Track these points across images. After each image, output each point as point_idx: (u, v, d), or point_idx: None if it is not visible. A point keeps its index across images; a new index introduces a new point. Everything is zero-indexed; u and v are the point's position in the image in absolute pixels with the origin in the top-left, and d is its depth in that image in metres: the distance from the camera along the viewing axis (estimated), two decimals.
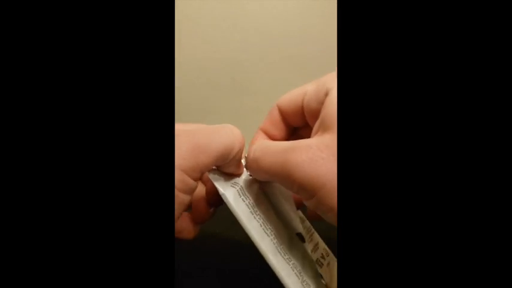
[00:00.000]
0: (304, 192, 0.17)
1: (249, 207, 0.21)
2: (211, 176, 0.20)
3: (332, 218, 0.16)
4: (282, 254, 0.21)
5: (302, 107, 0.20)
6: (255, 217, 0.20)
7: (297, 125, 0.22)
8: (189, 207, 0.23)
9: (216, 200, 0.22)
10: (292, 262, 0.21)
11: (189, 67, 0.52)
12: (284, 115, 0.22)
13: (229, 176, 0.21)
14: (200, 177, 0.18)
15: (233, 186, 0.21)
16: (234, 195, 0.20)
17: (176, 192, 0.17)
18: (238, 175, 0.21)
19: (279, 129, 0.22)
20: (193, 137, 0.17)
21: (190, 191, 0.17)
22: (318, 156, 0.16)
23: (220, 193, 0.20)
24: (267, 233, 0.21)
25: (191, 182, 0.17)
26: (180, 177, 0.17)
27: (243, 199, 0.20)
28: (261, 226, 0.20)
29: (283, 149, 0.17)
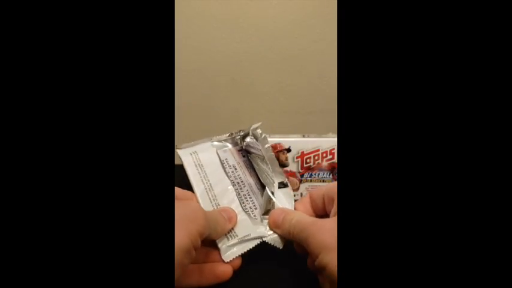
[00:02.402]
0: (312, 254, 0.22)
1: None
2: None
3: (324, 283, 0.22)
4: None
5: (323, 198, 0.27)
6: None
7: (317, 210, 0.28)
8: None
9: None
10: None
11: (189, 67, 0.52)
12: (311, 200, 0.29)
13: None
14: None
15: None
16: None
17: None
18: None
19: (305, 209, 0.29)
20: (205, 214, 0.22)
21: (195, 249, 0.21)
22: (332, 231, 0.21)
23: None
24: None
25: (198, 244, 0.21)
26: (197, 242, 0.21)
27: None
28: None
29: (309, 221, 0.24)
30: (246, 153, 0.32)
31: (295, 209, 0.29)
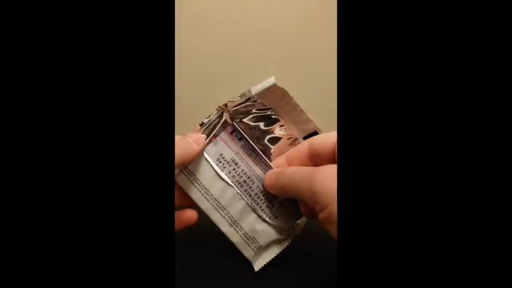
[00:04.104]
0: (319, 204, 0.20)
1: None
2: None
3: (334, 232, 0.20)
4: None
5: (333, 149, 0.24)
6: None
7: (321, 163, 0.24)
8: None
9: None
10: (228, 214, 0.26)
11: (189, 67, 0.52)
12: (312, 152, 0.25)
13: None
14: None
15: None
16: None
17: None
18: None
19: (302, 162, 0.26)
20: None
21: None
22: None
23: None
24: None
25: None
26: None
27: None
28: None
29: (310, 169, 0.22)
30: (237, 131, 0.26)
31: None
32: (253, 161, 0.26)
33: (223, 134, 0.26)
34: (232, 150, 0.26)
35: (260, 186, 0.26)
